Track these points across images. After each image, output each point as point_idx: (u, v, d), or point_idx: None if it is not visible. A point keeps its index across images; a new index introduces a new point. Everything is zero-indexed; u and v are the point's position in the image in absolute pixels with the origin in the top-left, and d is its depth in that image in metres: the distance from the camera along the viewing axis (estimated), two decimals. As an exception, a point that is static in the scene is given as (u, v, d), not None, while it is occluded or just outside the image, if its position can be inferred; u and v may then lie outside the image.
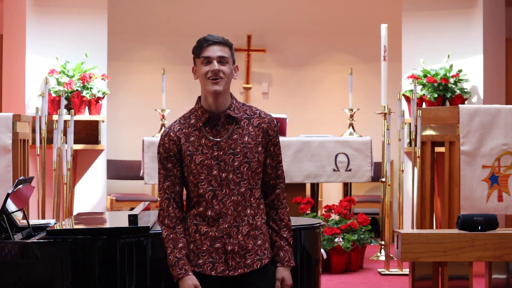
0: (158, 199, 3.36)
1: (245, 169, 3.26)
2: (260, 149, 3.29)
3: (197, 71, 3.34)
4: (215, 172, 3.24)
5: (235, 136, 3.27)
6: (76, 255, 3.61)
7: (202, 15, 10.05)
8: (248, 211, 3.27)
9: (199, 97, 3.34)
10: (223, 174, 3.24)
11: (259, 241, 3.29)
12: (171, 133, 3.30)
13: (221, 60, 3.28)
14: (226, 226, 3.24)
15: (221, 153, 3.25)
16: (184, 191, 3.35)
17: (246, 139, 3.27)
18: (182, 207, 3.33)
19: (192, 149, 3.26)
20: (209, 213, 3.25)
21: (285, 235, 3.33)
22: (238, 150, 3.26)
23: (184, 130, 3.30)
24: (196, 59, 3.36)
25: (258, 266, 3.28)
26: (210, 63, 3.28)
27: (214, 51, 3.28)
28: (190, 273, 3.23)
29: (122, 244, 3.67)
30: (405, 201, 7.77)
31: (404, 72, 8.74)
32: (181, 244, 3.27)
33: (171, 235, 3.28)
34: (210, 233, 3.25)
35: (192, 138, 3.28)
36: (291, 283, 3.32)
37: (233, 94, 3.38)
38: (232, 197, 3.25)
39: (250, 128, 3.29)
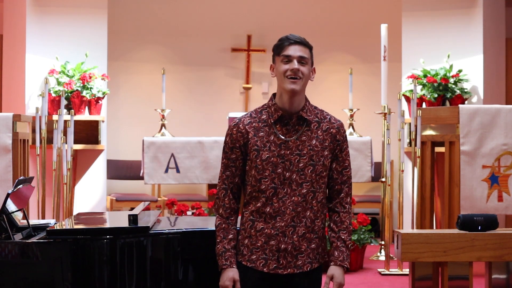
0: (216, 188, 3.40)
1: (309, 171, 3.27)
2: (326, 153, 3.30)
3: (276, 69, 3.34)
4: (279, 170, 3.26)
5: (304, 137, 3.29)
6: (76, 255, 3.61)
7: (202, 15, 10.05)
8: (308, 213, 3.28)
9: (274, 94, 3.36)
10: (287, 174, 3.26)
11: (313, 245, 3.31)
12: (240, 125, 3.32)
13: (301, 60, 3.29)
14: (282, 224, 3.26)
15: (288, 152, 3.27)
16: None
17: (314, 142, 3.29)
18: (238, 198, 3.36)
19: (260, 144, 3.28)
20: (268, 210, 3.26)
21: (343, 237, 3.33)
22: (305, 152, 3.27)
23: (254, 124, 3.31)
24: (275, 57, 3.36)
25: (308, 269, 3.31)
26: (290, 61, 3.28)
27: (295, 50, 3.29)
28: (234, 266, 3.28)
29: (122, 244, 3.67)
30: (405, 201, 7.77)
31: (404, 72, 8.74)
32: (231, 236, 3.31)
33: (223, 225, 3.32)
34: (266, 230, 3.27)
35: (262, 133, 3.29)
36: (342, 282, 3.33)
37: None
38: (293, 197, 3.26)
39: (319, 132, 3.31)
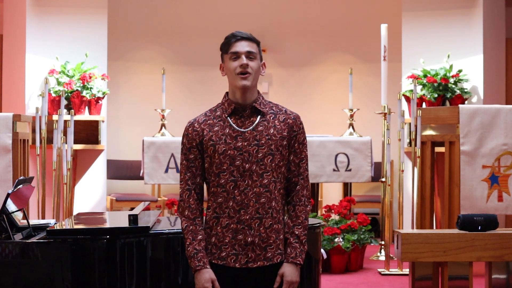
0: (179, 190, 3.34)
1: (268, 161, 3.25)
2: (284, 143, 3.28)
3: (226, 67, 3.33)
4: (237, 162, 3.24)
5: (261, 128, 3.27)
6: (76, 255, 3.61)
7: (202, 15, 10.05)
8: (273, 204, 3.25)
9: (227, 93, 3.35)
10: (246, 165, 3.24)
11: (281, 236, 3.28)
12: (195, 124, 3.31)
13: (249, 55, 3.28)
14: (247, 217, 3.23)
15: (245, 144, 3.25)
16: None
17: (272, 131, 3.27)
18: (201, 199, 3.33)
19: (215, 139, 3.26)
20: (231, 204, 3.23)
21: (297, 232, 3.28)
22: (263, 142, 3.25)
23: (209, 122, 3.30)
24: (224, 55, 3.35)
25: (279, 261, 3.27)
26: (239, 58, 3.28)
27: (243, 46, 3.28)
28: (207, 266, 3.23)
29: (122, 244, 3.67)
30: (405, 201, 7.77)
31: (404, 72, 8.74)
32: (200, 236, 3.26)
33: (191, 227, 3.27)
34: (232, 225, 3.24)
35: (216, 128, 3.28)
36: (293, 279, 3.24)
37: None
38: (255, 189, 3.23)
39: (276, 122, 3.30)
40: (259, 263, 3.25)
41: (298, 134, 3.32)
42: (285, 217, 3.34)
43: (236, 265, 3.25)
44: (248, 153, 3.24)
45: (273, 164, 3.25)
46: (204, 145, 3.27)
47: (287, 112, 3.34)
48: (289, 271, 3.25)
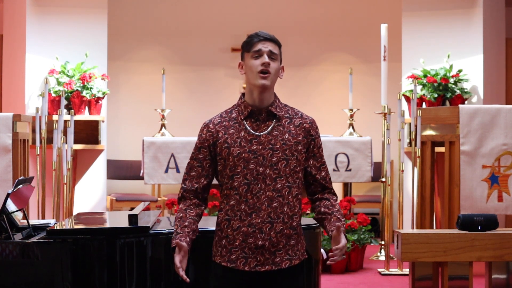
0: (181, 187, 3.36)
1: (282, 166, 3.25)
2: (300, 148, 3.28)
3: (246, 65, 3.33)
4: (251, 166, 3.23)
5: (276, 132, 3.27)
6: (76, 255, 3.61)
7: (202, 15, 10.05)
8: (285, 209, 3.25)
9: (243, 94, 3.36)
10: (260, 169, 3.23)
11: (292, 241, 3.27)
12: (211, 125, 3.32)
13: (271, 55, 3.29)
14: (258, 221, 3.23)
15: (260, 147, 3.24)
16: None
17: (287, 137, 3.27)
18: (203, 199, 3.34)
19: (230, 141, 3.26)
20: (242, 207, 3.23)
21: (339, 216, 3.29)
22: (278, 146, 3.25)
23: (224, 123, 3.31)
24: (245, 54, 3.35)
25: (287, 266, 3.26)
26: (261, 56, 3.28)
27: (266, 46, 3.29)
28: (181, 240, 3.23)
29: (122, 244, 3.67)
30: (405, 201, 7.77)
31: (404, 72, 8.74)
32: (186, 223, 3.28)
33: (180, 214, 3.31)
34: (243, 228, 3.24)
35: (232, 130, 3.28)
36: (345, 246, 3.26)
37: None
38: (267, 193, 3.23)
39: (291, 126, 3.30)
40: (267, 267, 3.24)
41: (315, 138, 3.34)
42: (321, 208, 3.32)
43: (246, 268, 3.24)
44: (263, 157, 3.24)
45: (287, 169, 3.25)
46: (218, 147, 3.28)
47: (302, 116, 3.35)
48: (343, 238, 3.25)
